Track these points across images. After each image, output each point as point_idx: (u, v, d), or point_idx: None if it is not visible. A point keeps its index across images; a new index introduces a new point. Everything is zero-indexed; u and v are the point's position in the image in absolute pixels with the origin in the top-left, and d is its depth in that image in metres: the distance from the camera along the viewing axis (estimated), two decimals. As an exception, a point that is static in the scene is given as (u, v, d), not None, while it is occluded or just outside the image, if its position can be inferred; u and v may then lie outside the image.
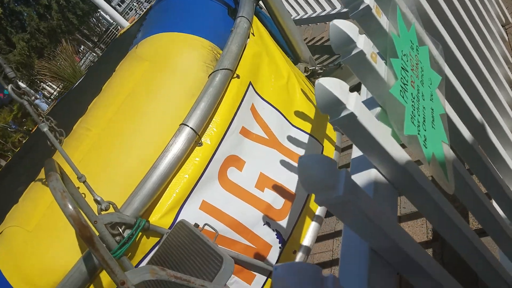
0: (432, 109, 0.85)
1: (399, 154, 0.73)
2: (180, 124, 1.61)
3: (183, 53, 1.76)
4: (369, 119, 0.68)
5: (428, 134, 0.79)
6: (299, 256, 1.88)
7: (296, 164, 1.94)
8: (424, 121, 0.79)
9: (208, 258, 1.23)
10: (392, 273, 0.69)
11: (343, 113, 0.65)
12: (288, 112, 1.99)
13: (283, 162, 1.90)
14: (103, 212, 1.42)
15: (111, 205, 1.43)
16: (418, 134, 0.75)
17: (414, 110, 0.76)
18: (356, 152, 0.84)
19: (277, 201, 1.84)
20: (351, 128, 0.67)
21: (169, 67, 1.74)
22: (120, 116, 1.68)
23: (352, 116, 0.64)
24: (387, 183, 0.78)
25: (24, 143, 3.64)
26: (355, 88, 0.72)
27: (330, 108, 0.65)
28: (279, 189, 1.86)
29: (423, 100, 0.82)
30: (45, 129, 1.27)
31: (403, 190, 0.80)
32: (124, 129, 1.63)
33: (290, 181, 1.90)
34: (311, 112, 2.09)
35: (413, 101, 0.77)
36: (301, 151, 1.97)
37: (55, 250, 1.42)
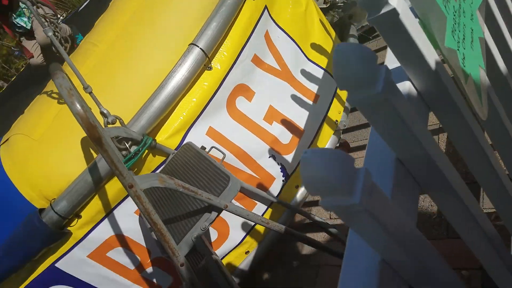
0: (472, 30, 0.79)
1: (437, 65, 0.68)
2: (189, 44, 1.55)
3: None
4: (411, 21, 0.62)
5: (467, 53, 0.74)
6: (301, 192, 1.91)
7: (307, 100, 1.90)
8: (464, 39, 0.74)
9: (215, 177, 1.24)
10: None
11: (384, 9, 0.58)
12: (304, 43, 1.91)
13: (294, 97, 1.86)
14: (109, 126, 1.39)
15: (117, 120, 1.41)
16: (458, 50, 0.70)
17: (455, 24, 0.70)
18: (390, 62, 0.78)
19: (284, 136, 1.83)
20: (391, 28, 0.61)
21: None
22: (127, 32, 1.63)
23: (393, 13, 0.58)
24: (419, 98, 0.73)
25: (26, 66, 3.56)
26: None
27: (370, 1, 0.58)
28: (288, 124, 1.83)
29: (464, 17, 0.76)
30: (50, 33, 1.21)
31: (434, 105, 0.74)
32: (132, 46, 1.59)
33: (300, 116, 1.88)
34: (328, 45, 2.01)
35: (454, 15, 0.71)
36: (314, 87, 1.92)
37: (60, 159, 1.44)
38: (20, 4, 2.09)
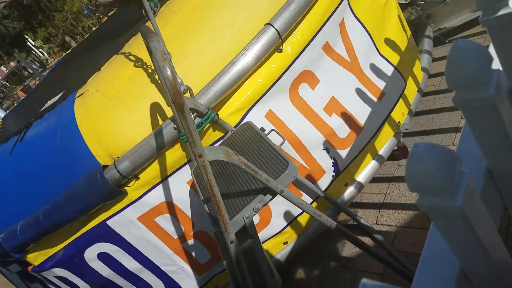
0: None
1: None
2: (265, 24, 1.55)
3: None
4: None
5: None
6: (349, 190, 1.89)
7: (372, 96, 1.85)
8: None
9: (273, 160, 1.25)
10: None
11: (502, 11, 0.56)
12: (378, 37, 1.86)
13: (358, 91, 1.83)
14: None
15: (188, 90, 1.44)
16: None
17: None
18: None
19: (342, 130, 1.81)
20: (506, 30, 0.58)
21: None
22: (207, 5, 1.67)
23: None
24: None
25: (106, 20, 3.71)
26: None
27: (488, 1, 0.55)
28: (348, 118, 1.80)
29: None
30: (140, -6, 1.24)
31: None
32: (209, 18, 1.63)
33: (361, 112, 1.85)
34: (402, 43, 1.94)
35: None
36: (381, 84, 1.87)
37: (129, 121, 1.52)
38: None
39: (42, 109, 2.07)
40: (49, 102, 2.11)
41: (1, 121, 3.02)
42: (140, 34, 1.21)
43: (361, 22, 1.81)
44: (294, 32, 1.62)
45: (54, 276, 1.84)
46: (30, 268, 1.86)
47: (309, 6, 1.59)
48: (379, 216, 1.94)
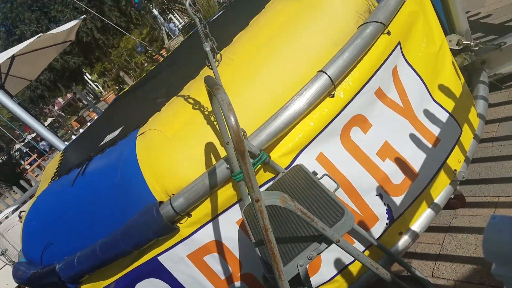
0: None
1: None
2: (318, 71, 1.61)
3: (339, -1, 1.71)
4: None
5: None
6: (404, 239, 1.84)
7: (426, 142, 1.82)
8: None
9: (327, 207, 1.25)
10: None
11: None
12: (431, 83, 1.86)
13: (412, 136, 1.81)
14: (233, 137, 1.49)
15: (242, 132, 1.49)
16: None
17: None
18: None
19: (396, 175, 1.79)
20: None
21: (320, 11, 1.75)
22: (262, 51, 1.76)
23: None
24: None
25: (163, 59, 3.95)
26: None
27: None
28: (402, 164, 1.78)
29: None
30: (207, 48, 1.35)
31: None
32: (264, 65, 1.71)
33: (415, 158, 1.83)
34: (457, 89, 1.92)
35: None
36: (435, 130, 1.85)
37: (186, 159, 1.60)
38: None
39: (102, 143, 2.21)
40: (108, 137, 2.25)
41: (62, 153, 3.23)
42: (205, 83, 1.29)
43: (414, 68, 1.83)
44: (347, 78, 1.66)
45: (105, 308, 1.89)
46: (82, 298, 1.94)
47: (362, 54, 1.63)
48: (435, 268, 1.85)
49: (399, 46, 1.80)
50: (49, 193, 2.27)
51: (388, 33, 1.74)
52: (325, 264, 1.73)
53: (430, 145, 1.83)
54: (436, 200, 1.85)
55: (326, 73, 1.59)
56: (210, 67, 1.41)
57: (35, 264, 2.11)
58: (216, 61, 1.39)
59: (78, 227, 1.88)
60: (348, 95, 1.68)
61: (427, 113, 1.85)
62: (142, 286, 1.77)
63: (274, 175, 1.66)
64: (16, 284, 5.52)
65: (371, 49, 1.69)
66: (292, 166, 1.64)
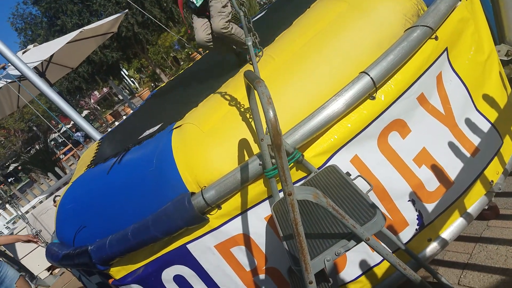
0: None
1: None
2: (360, 72, 1.62)
3: (386, 1, 1.71)
4: None
5: None
6: (432, 246, 1.82)
7: (465, 151, 1.80)
8: None
9: (359, 206, 1.27)
10: None
11: None
12: (476, 92, 1.84)
13: (451, 145, 1.79)
14: (268, 134, 1.52)
15: (278, 128, 1.52)
16: None
17: None
18: None
19: (431, 182, 1.78)
20: None
21: (366, 13, 1.76)
22: (304, 52, 1.79)
23: None
24: None
25: (201, 57, 4.05)
26: None
27: None
28: (438, 171, 1.77)
29: None
30: (250, 43, 1.39)
31: None
32: (305, 64, 1.74)
33: (452, 166, 1.81)
34: (502, 100, 1.89)
35: None
36: (475, 139, 1.82)
37: (219, 154, 1.64)
38: None
39: (141, 137, 2.30)
40: (147, 132, 2.33)
41: (98, 143, 3.37)
42: (244, 77, 1.33)
43: (459, 76, 1.80)
44: (389, 81, 1.66)
45: (131, 292, 1.97)
46: (111, 281, 2.02)
47: (408, 58, 1.62)
48: (461, 276, 1.83)
49: (446, 52, 1.78)
50: (84, 179, 2.38)
51: (436, 38, 1.71)
52: (350, 264, 1.74)
53: (468, 155, 1.80)
54: (469, 210, 1.82)
55: (369, 75, 1.59)
56: (251, 62, 1.44)
57: (67, 245, 2.21)
58: (257, 56, 1.43)
59: (111, 212, 1.96)
60: (390, 99, 1.67)
61: (468, 122, 1.82)
62: (170, 271, 1.82)
63: (306, 174, 1.68)
64: (47, 265, 5.79)
65: (416, 53, 1.67)
66: (325, 166, 1.66)
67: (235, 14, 1.84)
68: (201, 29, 2.20)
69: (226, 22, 2.00)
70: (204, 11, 2.19)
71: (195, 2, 2.16)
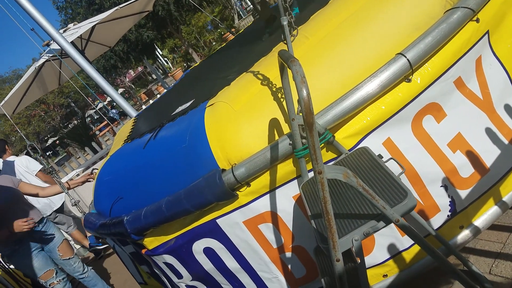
0: None
1: None
2: (397, 54, 1.59)
3: (426, -19, 1.66)
4: None
5: None
6: (464, 234, 1.78)
7: (503, 138, 1.74)
8: None
9: (390, 188, 1.26)
10: None
11: None
12: (518, 77, 1.74)
13: (488, 131, 1.74)
14: (300, 114, 1.53)
15: (310, 108, 1.52)
16: None
17: None
18: None
19: (465, 169, 1.74)
20: None
21: None
22: (339, 32, 1.76)
23: None
24: None
25: (233, 38, 4.06)
26: None
27: None
28: (473, 157, 1.72)
29: None
30: (285, 22, 1.39)
31: None
32: (340, 45, 1.72)
33: (489, 153, 1.76)
34: (546, 86, 1.79)
35: None
36: (514, 126, 1.74)
37: (249, 132, 1.67)
38: None
39: (174, 113, 2.35)
40: (180, 108, 2.39)
41: (134, 119, 3.48)
42: (279, 56, 1.34)
43: (500, 60, 1.73)
44: (426, 64, 1.61)
45: (163, 262, 2.05)
46: (144, 251, 2.11)
47: (446, 40, 1.57)
48: (493, 266, 1.79)
49: (487, 35, 1.71)
50: (122, 153, 2.48)
51: (477, 20, 1.65)
52: (378, 247, 1.74)
53: (506, 141, 1.74)
54: (504, 198, 1.76)
55: (406, 56, 1.55)
56: (285, 42, 1.44)
57: (104, 215, 2.33)
58: (291, 36, 1.42)
59: (146, 185, 2.04)
60: (426, 82, 1.63)
61: (507, 108, 1.75)
62: (200, 244, 1.89)
63: (336, 156, 1.68)
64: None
65: (456, 36, 1.62)
66: (356, 148, 1.65)
67: None
68: None
69: None
70: None
71: None
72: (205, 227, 1.85)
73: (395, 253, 1.75)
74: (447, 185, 1.71)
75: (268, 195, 1.74)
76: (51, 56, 6.37)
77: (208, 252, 1.90)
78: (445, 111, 1.70)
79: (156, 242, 2.02)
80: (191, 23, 15.91)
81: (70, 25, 6.93)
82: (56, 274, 3.32)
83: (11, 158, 4.84)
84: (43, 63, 6.73)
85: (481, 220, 1.77)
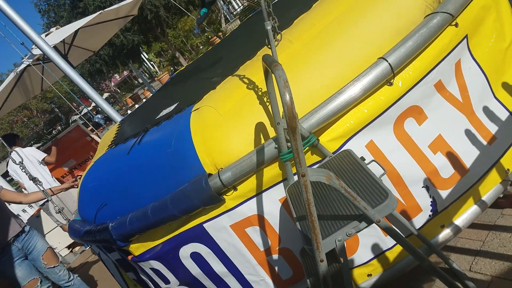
0: None
1: None
2: (379, 58, 1.63)
3: (406, -14, 1.71)
4: None
5: None
6: (445, 232, 1.84)
7: (481, 139, 1.80)
8: None
9: (371, 190, 1.30)
10: None
11: None
12: (495, 80, 1.83)
13: (468, 132, 1.80)
14: (285, 118, 1.55)
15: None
16: None
17: None
18: None
19: (445, 169, 1.79)
20: None
21: None
22: (323, 36, 1.80)
23: None
24: None
25: (220, 42, 4.09)
26: None
27: None
28: (453, 158, 1.78)
29: None
30: (269, 27, 1.42)
31: None
32: (323, 49, 1.75)
33: (468, 154, 1.81)
34: (523, 88, 1.85)
35: None
36: (493, 128, 1.82)
37: (235, 136, 1.69)
38: None
39: (158, 117, 2.36)
40: (164, 111, 2.39)
41: (119, 125, 3.47)
42: (263, 61, 1.37)
43: (478, 64, 1.78)
44: (407, 67, 1.66)
45: (150, 268, 2.06)
46: (130, 257, 2.11)
47: (427, 44, 1.62)
48: (473, 263, 1.85)
49: (466, 39, 1.76)
50: (105, 159, 2.47)
51: (456, 25, 1.70)
52: (362, 247, 1.77)
53: (485, 143, 1.79)
54: (483, 198, 1.82)
55: (387, 60, 1.59)
56: (269, 46, 1.47)
57: (89, 222, 2.32)
58: (275, 40, 1.45)
59: (131, 191, 2.04)
60: (407, 85, 1.67)
61: (486, 110, 1.81)
62: (187, 249, 1.90)
63: (320, 159, 1.71)
64: (68, 243, 6.00)
65: (436, 40, 1.67)
66: (340, 151, 1.68)
67: None
68: None
69: None
70: None
71: None
72: (191, 232, 1.86)
73: (378, 252, 1.79)
74: (429, 185, 1.76)
75: (254, 199, 1.76)
76: (33, 61, 6.30)
77: (195, 257, 1.91)
78: (426, 113, 1.75)
79: (142, 248, 2.02)
80: (177, 26, 15.92)
81: (53, 29, 6.86)
82: (40, 283, 3.27)
83: (18, 150, 4.87)
84: (25, 68, 6.65)
85: (461, 219, 1.82)
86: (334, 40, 1.73)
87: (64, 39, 6.26)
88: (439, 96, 1.74)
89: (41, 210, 5.58)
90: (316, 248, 1.21)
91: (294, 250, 1.82)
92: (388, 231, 1.27)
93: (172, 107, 2.33)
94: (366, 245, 1.79)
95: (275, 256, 1.85)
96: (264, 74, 1.49)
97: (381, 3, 1.73)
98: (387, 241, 1.78)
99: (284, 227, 1.79)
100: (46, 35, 6.40)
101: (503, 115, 1.84)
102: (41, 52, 5.16)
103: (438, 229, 1.82)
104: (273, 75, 1.20)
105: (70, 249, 6.12)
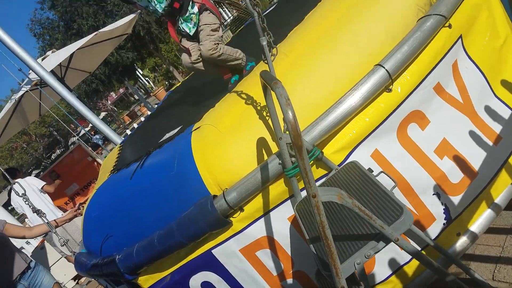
0: None
1: None
2: (375, 65, 1.61)
3: (398, -9, 1.69)
4: None
5: None
6: (462, 240, 1.79)
7: (487, 140, 1.76)
8: None
9: (384, 205, 1.26)
10: None
11: None
12: (493, 79, 1.82)
13: (472, 134, 1.77)
14: (287, 132, 1.52)
15: (296, 128, 1.52)
16: None
17: None
18: None
19: (454, 174, 1.76)
20: None
21: (377, 4, 1.76)
22: (317, 46, 1.79)
23: None
24: None
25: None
26: None
27: None
28: (460, 162, 1.74)
29: None
30: (264, 43, 1.39)
31: None
32: (319, 60, 1.73)
33: (475, 156, 1.79)
34: (522, 85, 1.83)
35: None
36: (497, 127, 1.81)
37: (238, 154, 1.67)
38: (189, 9, 2.17)
39: (161, 140, 2.32)
40: (167, 135, 2.35)
41: (119, 147, 3.42)
42: (261, 77, 1.34)
43: (475, 63, 1.77)
44: (405, 72, 1.64)
45: (160, 299, 2.00)
46: (139, 290, 2.05)
47: (422, 48, 1.60)
48: (495, 271, 1.79)
49: (460, 39, 1.75)
50: (108, 185, 2.42)
51: (449, 26, 1.69)
52: (379, 264, 1.72)
53: (491, 143, 1.76)
54: (496, 200, 1.79)
55: (384, 67, 1.57)
56: (266, 61, 1.44)
57: (95, 254, 2.25)
58: (271, 55, 1.43)
59: (136, 217, 1.99)
60: (406, 90, 1.65)
61: (488, 109, 1.79)
62: (197, 278, 1.84)
63: (326, 172, 1.67)
64: (73, 275, 5.92)
65: (431, 43, 1.65)
66: (346, 163, 1.64)
67: (248, 12, 1.85)
68: (189, 52, 2.27)
69: (214, 44, 2.05)
70: (196, 36, 2.25)
71: (188, 31, 2.22)
72: (200, 260, 1.80)
73: (396, 268, 1.73)
74: (439, 192, 1.72)
75: (262, 219, 1.71)
76: (31, 87, 6.29)
77: (207, 286, 1.85)
78: (428, 117, 1.72)
79: (151, 280, 1.96)
80: (169, 41, 15.95)
81: (49, 53, 6.85)
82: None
83: (20, 181, 4.86)
84: (22, 95, 6.64)
85: (476, 225, 1.77)
86: (328, 50, 1.72)
87: (60, 62, 6.25)
88: (439, 99, 1.72)
89: (45, 241, 5.52)
90: (336, 275, 1.16)
91: (308, 273, 1.76)
92: (406, 249, 1.22)
93: (176, 130, 2.28)
94: (383, 261, 1.73)
95: (290, 281, 1.79)
96: (263, 90, 1.46)
97: (373, 9, 1.72)
98: (404, 255, 1.72)
99: (296, 248, 1.74)
100: (42, 59, 6.39)
101: (505, 113, 1.81)
102: (38, 77, 5.14)
103: (454, 237, 1.77)
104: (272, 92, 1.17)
105: (76, 280, 6.02)
